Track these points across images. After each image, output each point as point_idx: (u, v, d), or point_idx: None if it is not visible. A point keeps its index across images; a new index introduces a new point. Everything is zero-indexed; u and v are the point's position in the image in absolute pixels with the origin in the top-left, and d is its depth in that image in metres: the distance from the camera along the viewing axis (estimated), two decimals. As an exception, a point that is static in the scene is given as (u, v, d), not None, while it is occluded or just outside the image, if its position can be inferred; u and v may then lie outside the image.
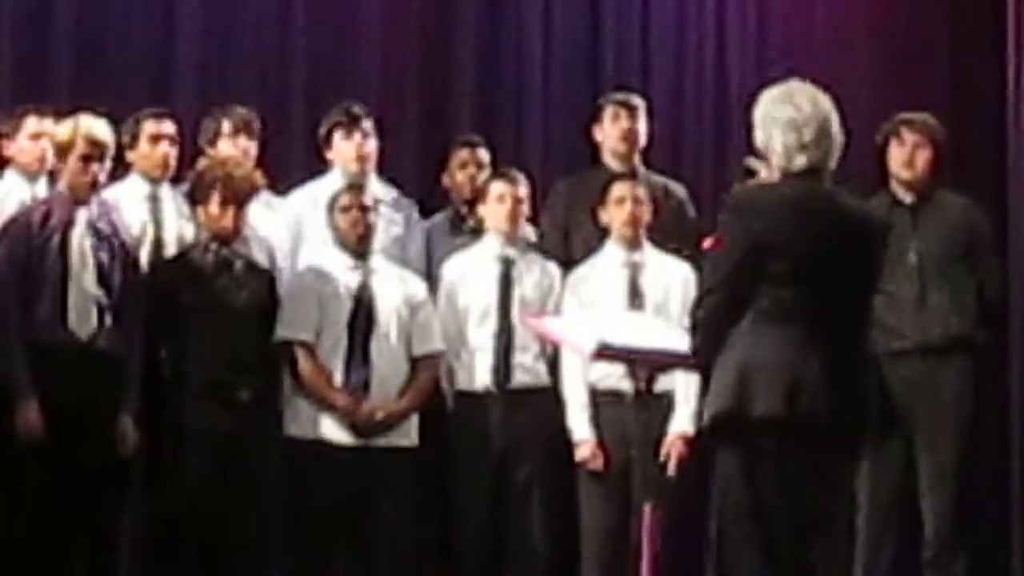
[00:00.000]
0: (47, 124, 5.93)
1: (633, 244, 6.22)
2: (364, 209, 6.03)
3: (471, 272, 6.25)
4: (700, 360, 4.21)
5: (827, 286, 4.10)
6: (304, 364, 5.89)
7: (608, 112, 6.60)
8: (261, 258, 6.14)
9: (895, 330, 6.06)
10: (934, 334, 6.11)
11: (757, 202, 4.15)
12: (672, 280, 6.21)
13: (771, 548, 4.05)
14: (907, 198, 6.26)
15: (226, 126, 6.33)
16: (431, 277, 6.31)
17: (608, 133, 6.60)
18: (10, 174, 6.10)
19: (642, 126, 6.62)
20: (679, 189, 6.67)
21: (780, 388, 4.03)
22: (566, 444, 6.12)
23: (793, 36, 7.92)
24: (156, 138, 6.15)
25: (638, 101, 6.65)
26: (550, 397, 6.17)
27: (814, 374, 4.05)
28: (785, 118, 4.20)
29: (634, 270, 6.18)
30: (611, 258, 6.22)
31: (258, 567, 5.87)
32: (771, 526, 4.05)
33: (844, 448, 4.20)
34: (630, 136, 6.57)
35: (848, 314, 4.17)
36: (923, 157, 6.26)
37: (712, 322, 4.11)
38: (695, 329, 4.18)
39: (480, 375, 6.16)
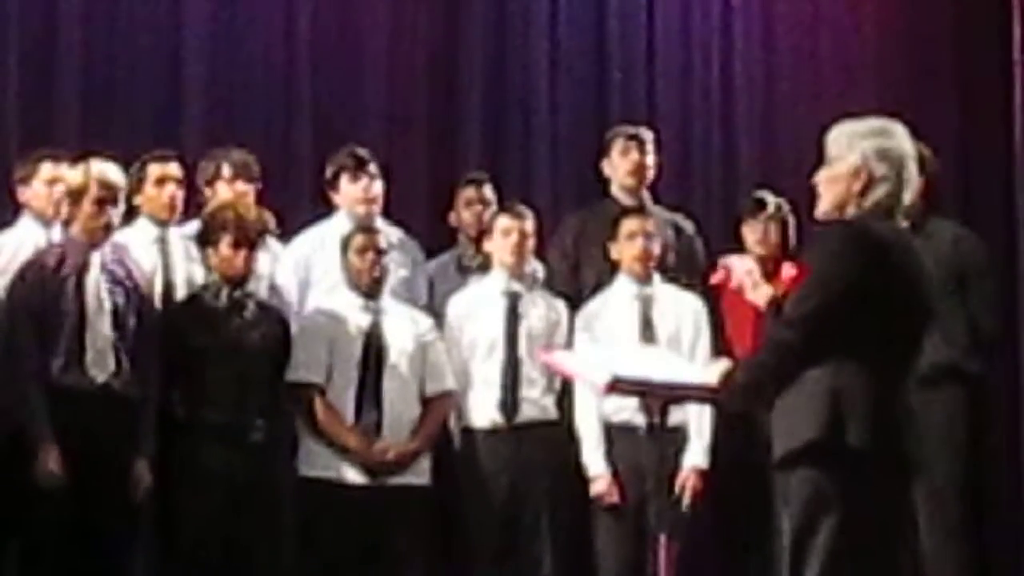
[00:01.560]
0: (63, 170, 5.89)
1: (644, 278, 6.22)
2: (380, 252, 6.03)
3: (477, 307, 6.25)
4: (764, 377, 4.19)
5: (902, 326, 4.16)
6: (316, 406, 5.87)
7: (617, 146, 6.60)
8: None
9: None
10: (921, 364, 6.09)
11: (859, 242, 4.14)
12: (684, 313, 6.21)
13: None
14: None
15: (225, 170, 6.31)
16: (437, 317, 6.29)
17: (617, 167, 6.60)
18: (25, 220, 6.07)
19: (650, 159, 6.62)
20: (687, 224, 6.67)
21: (870, 421, 4.06)
22: (574, 478, 6.11)
23: (800, 67, 7.95)
24: (162, 180, 6.15)
25: (647, 134, 6.65)
26: (558, 431, 6.16)
27: (897, 410, 4.12)
28: (899, 151, 4.19)
29: (646, 303, 6.18)
30: (622, 292, 6.22)
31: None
32: (853, 553, 4.08)
33: (911, 480, 4.27)
34: (639, 169, 6.58)
35: (913, 353, 4.24)
36: None
37: (794, 349, 4.11)
38: (773, 348, 4.17)
39: (487, 410, 6.14)
